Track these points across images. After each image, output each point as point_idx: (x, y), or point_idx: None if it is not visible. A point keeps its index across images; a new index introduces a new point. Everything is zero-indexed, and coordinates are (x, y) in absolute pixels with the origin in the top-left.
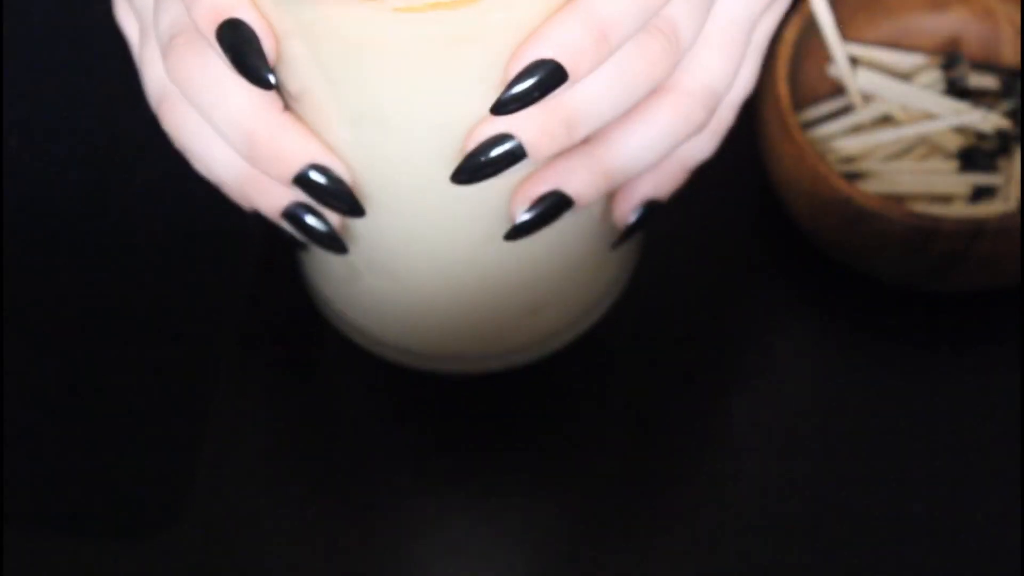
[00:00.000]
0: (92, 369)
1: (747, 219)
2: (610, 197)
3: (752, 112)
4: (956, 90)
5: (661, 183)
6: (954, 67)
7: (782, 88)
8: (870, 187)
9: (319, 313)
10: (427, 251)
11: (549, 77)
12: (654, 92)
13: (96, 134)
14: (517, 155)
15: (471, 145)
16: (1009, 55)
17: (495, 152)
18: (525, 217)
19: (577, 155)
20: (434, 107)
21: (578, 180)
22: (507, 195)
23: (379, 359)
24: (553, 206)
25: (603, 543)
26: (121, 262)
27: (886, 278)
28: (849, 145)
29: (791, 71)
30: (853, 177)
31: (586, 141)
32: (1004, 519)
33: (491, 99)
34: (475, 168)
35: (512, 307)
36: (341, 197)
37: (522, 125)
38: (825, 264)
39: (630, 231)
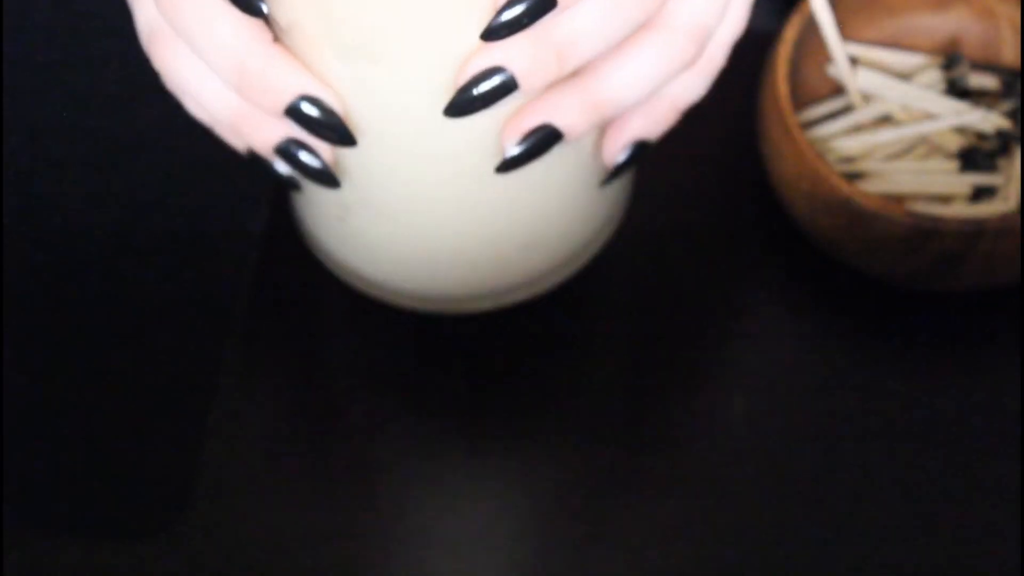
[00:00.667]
0: (92, 369)
1: (747, 219)
2: (601, 134)
3: (752, 112)
4: (956, 90)
5: (651, 123)
6: (954, 67)
7: (782, 88)
8: (870, 187)
9: (319, 308)
10: (418, 184)
11: (538, 3)
12: (644, 26)
13: (96, 134)
14: (509, 87)
15: (463, 78)
16: (1009, 55)
17: (487, 85)
18: (516, 150)
19: (567, 88)
20: (425, 38)
21: (568, 113)
22: (498, 128)
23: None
24: (543, 139)
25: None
26: (120, 262)
27: (886, 278)
28: (849, 145)
29: (791, 71)
30: (853, 177)
31: (576, 75)
32: (1004, 519)
33: (482, 29)
34: (467, 101)
35: (503, 243)
36: (332, 128)
37: (513, 57)
38: (825, 264)
39: (619, 170)
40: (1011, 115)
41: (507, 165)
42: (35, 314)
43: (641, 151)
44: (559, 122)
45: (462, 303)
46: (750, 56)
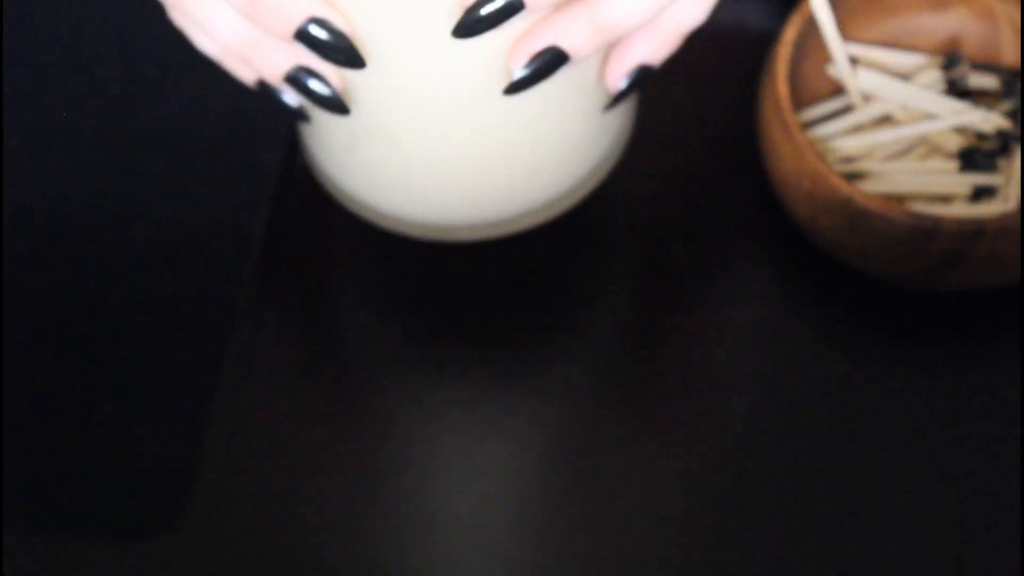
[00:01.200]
0: (92, 369)
1: (747, 219)
2: (604, 58)
3: (752, 112)
4: (956, 90)
5: (654, 47)
6: (954, 67)
7: (782, 88)
8: (870, 187)
9: (322, 310)
10: (425, 108)
11: None
12: None
13: (96, 134)
14: (515, 7)
15: None
16: (1009, 55)
17: (493, 5)
18: (523, 72)
19: (573, 10)
20: None
21: (574, 35)
22: (505, 50)
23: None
24: (550, 61)
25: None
26: (120, 261)
27: (886, 278)
28: (849, 145)
29: (791, 71)
30: (853, 177)
31: None
32: (1004, 519)
33: None
34: (474, 22)
35: (509, 168)
36: (341, 50)
37: None
38: (825, 264)
39: (622, 95)
40: (1011, 115)
41: (514, 87)
42: (35, 313)
43: (643, 76)
44: (565, 44)
45: (469, 231)
46: (750, 56)
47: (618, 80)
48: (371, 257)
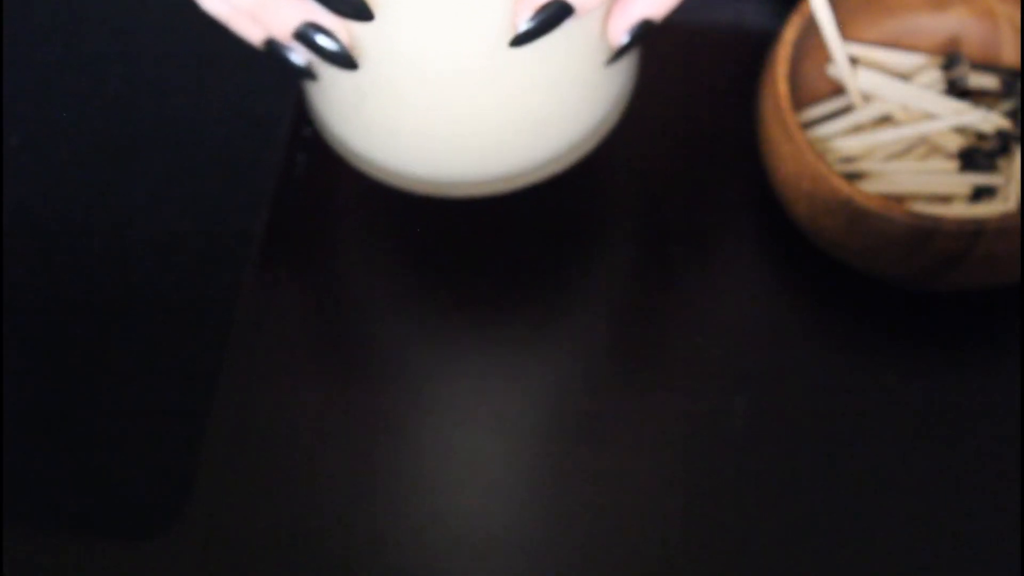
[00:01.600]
0: (92, 369)
1: (747, 219)
2: (606, 13)
3: (752, 112)
4: (956, 90)
5: (656, 2)
6: (954, 67)
7: (782, 88)
8: (870, 187)
9: (321, 310)
10: (432, 63)
11: None
12: None
13: (97, 134)
14: None
15: None
16: (1009, 55)
17: None
18: (528, 25)
19: None
20: None
21: None
22: (511, 4)
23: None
24: (555, 13)
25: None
26: (120, 262)
27: (886, 278)
28: (849, 145)
29: (791, 71)
30: (853, 177)
31: None
32: (1004, 519)
33: None
34: None
35: (513, 123)
36: (350, 3)
37: None
38: (825, 264)
39: (624, 49)
40: (1011, 115)
41: (520, 39)
42: (34, 314)
43: (645, 31)
44: None
45: (475, 188)
46: (750, 56)
47: (620, 35)
48: (370, 257)
